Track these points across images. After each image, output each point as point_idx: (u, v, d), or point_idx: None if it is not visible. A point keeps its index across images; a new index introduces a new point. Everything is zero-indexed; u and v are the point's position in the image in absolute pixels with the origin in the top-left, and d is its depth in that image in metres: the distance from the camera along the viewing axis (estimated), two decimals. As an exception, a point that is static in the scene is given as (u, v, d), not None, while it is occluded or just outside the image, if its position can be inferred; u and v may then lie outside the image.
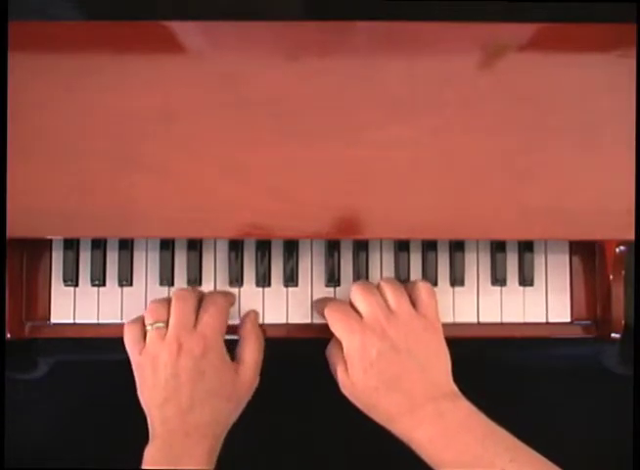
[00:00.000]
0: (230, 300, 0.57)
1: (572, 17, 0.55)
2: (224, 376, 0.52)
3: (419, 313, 0.52)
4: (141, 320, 0.54)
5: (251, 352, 0.54)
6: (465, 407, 0.49)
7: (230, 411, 0.53)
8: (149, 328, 0.52)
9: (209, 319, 0.52)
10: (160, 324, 0.52)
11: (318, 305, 0.57)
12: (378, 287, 0.53)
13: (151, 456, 0.49)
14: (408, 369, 0.50)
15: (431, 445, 0.48)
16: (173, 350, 0.51)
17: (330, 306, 0.53)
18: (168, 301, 0.54)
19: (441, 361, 0.51)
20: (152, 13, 0.57)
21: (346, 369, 0.51)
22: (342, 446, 0.61)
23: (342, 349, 0.51)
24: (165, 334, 0.52)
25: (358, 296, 0.52)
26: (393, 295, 0.52)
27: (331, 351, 0.53)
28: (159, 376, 0.51)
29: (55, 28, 0.54)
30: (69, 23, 0.56)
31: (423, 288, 0.53)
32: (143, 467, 0.49)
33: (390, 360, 0.50)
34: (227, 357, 0.53)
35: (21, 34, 0.53)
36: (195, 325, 0.52)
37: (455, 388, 0.51)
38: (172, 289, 0.58)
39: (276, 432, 0.60)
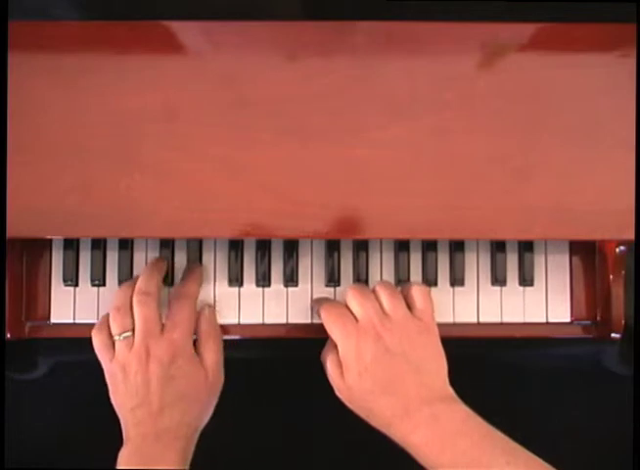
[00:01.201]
0: (198, 284, 0.56)
1: (572, 17, 0.55)
2: (193, 379, 0.52)
3: (414, 316, 0.52)
4: (107, 327, 0.53)
5: (210, 355, 0.54)
6: (461, 410, 0.49)
7: (200, 413, 0.53)
8: (116, 338, 0.52)
9: (178, 324, 0.53)
10: (127, 334, 0.52)
11: (316, 306, 0.57)
12: (373, 291, 0.53)
13: (124, 459, 0.50)
14: (403, 372, 0.50)
15: (427, 448, 0.48)
16: (142, 358, 0.51)
17: (326, 308, 0.53)
18: (130, 304, 0.53)
19: (437, 364, 0.51)
20: (152, 13, 0.57)
21: (342, 373, 0.51)
22: (342, 446, 0.61)
23: (337, 352, 0.51)
24: (133, 343, 0.52)
25: (353, 299, 0.52)
26: (389, 298, 0.52)
27: (326, 355, 0.53)
28: (130, 384, 0.51)
29: (55, 28, 0.54)
30: (69, 23, 0.55)
31: (418, 291, 0.53)
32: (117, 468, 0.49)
33: (385, 364, 0.50)
34: (196, 359, 0.53)
35: (21, 34, 0.53)
36: (162, 328, 0.52)
37: (451, 391, 0.51)
38: (172, 289, 0.58)
39: (275, 431, 0.60)
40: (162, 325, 0.53)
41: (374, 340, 0.50)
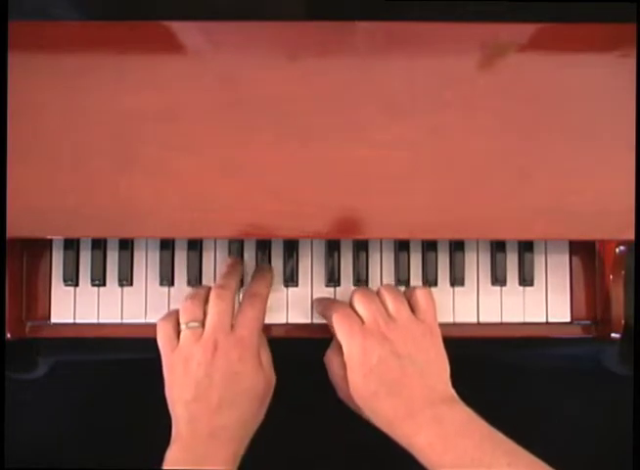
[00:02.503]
0: (268, 284, 0.56)
1: (573, 17, 0.55)
2: (255, 379, 0.52)
3: (418, 319, 0.52)
4: (173, 317, 0.53)
5: (265, 352, 0.54)
6: (463, 411, 0.49)
7: (256, 413, 0.52)
8: (183, 327, 0.52)
9: (248, 322, 0.52)
10: (195, 324, 0.51)
11: (318, 306, 0.57)
12: (377, 293, 0.53)
13: (173, 457, 0.49)
14: (408, 374, 0.50)
15: (430, 449, 0.48)
16: (208, 351, 0.50)
17: (334, 308, 0.53)
18: (204, 298, 0.53)
19: (440, 367, 0.51)
20: (152, 13, 0.57)
21: (345, 375, 0.51)
22: (342, 446, 0.61)
23: (341, 354, 0.51)
24: (201, 334, 0.51)
25: (359, 302, 0.52)
26: (393, 301, 0.52)
27: (330, 356, 0.53)
28: (190, 375, 0.50)
29: (55, 28, 0.54)
30: (69, 23, 0.55)
31: (421, 294, 0.53)
32: (164, 467, 0.48)
33: (391, 365, 0.50)
34: (259, 359, 0.52)
35: (21, 34, 0.53)
36: (232, 325, 0.52)
37: (454, 393, 0.51)
38: (172, 289, 0.58)
39: (275, 432, 0.60)
40: (234, 321, 0.52)
41: (380, 342, 0.50)
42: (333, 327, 0.52)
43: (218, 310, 0.52)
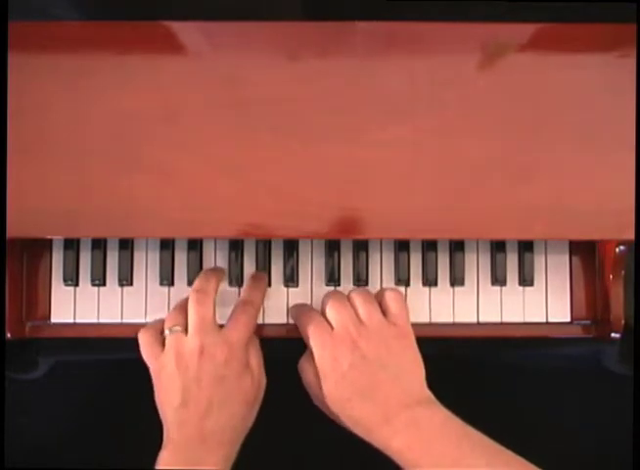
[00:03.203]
0: (263, 293, 0.56)
1: (573, 17, 0.55)
2: (243, 382, 0.52)
3: (389, 322, 0.51)
4: (152, 327, 0.53)
5: (255, 355, 0.54)
6: (439, 412, 0.49)
7: (246, 415, 0.52)
8: (167, 332, 0.52)
9: (238, 326, 0.52)
10: (179, 328, 0.52)
11: (293, 313, 0.56)
12: (348, 297, 0.53)
13: (165, 462, 0.49)
14: (381, 379, 0.49)
15: (409, 452, 0.47)
16: (195, 354, 0.50)
17: (302, 317, 0.53)
18: (185, 305, 0.53)
19: (414, 368, 0.51)
20: (152, 13, 0.57)
21: (319, 383, 0.51)
22: (340, 446, 0.61)
23: (314, 362, 0.51)
24: (185, 338, 0.51)
25: (330, 309, 0.52)
26: (364, 305, 0.52)
27: (303, 365, 0.53)
28: (177, 379, 0.50)
29: (55, 28, 0.54)
30: (69, 23, 0.56)
31: (392, 296, 0.53)
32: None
33: (362, 371, 0.49)
34: (247, 363, 0.52)
35: (21, 34, 0.53)
36: (221, 329, 0.52)
37: (429, 394, 0.50)
38: (172, 289, 0.58)
39: (273, 432, 0.60)
40: (219, 326, 0.52)
41: (350, 348, 0.50)
42: (305, 335, 0.52)
43: (199, 315, 0.52)
